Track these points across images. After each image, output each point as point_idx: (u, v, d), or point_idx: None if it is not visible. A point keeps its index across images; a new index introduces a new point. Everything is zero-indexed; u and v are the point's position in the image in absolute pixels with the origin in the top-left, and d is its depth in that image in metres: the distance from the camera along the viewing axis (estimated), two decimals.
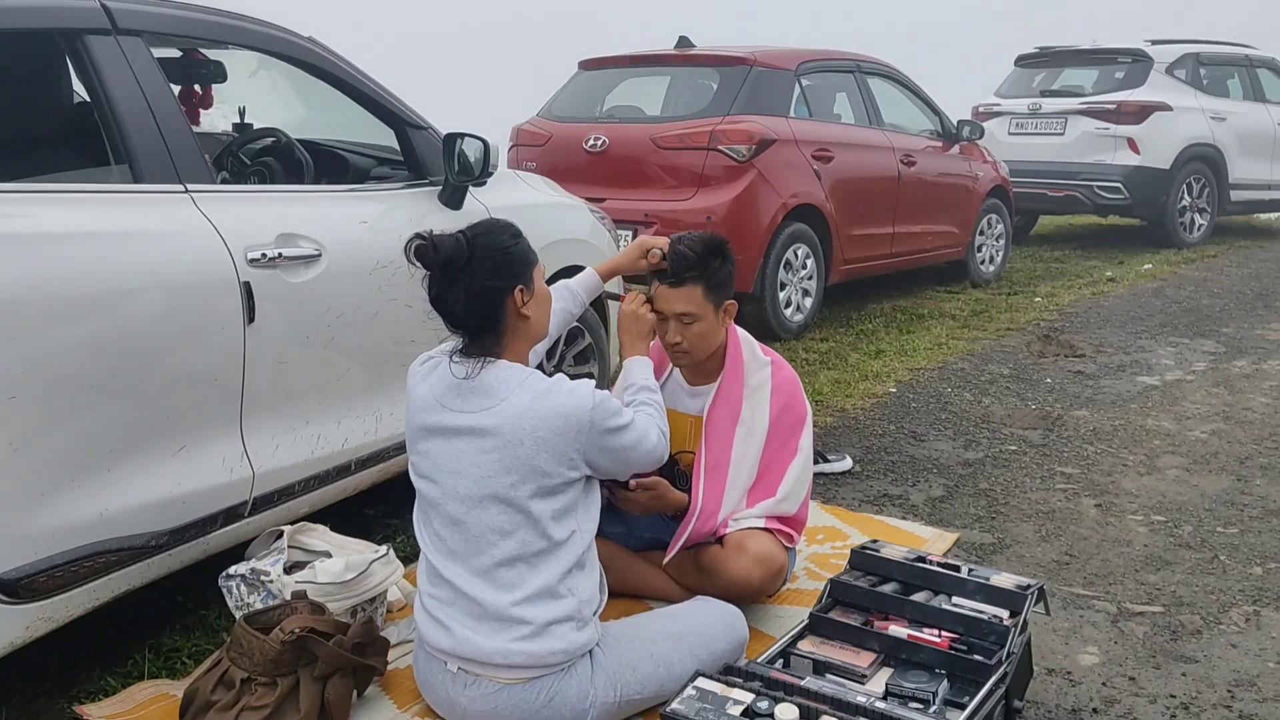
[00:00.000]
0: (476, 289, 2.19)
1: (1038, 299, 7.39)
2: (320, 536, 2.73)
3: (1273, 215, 11.95)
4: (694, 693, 2.01)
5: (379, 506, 3.56)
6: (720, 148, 5.80)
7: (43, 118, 2.81)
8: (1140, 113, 9.12)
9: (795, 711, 1.91)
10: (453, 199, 3.38)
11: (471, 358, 2.25)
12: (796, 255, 6.10)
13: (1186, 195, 9.44)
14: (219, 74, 3.78)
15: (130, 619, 2.76)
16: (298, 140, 3.43)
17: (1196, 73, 9.69)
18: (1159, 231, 9.51)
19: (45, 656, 2.54)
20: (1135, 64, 9.51)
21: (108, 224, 2.38)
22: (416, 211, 3.28)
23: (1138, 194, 9.14)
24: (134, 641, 2.68)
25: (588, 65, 6.95)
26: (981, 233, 7.94)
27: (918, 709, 2.05)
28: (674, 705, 1.97)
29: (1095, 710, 2.42)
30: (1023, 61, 10.42)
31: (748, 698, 1.97)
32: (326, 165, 3.59)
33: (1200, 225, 9.66)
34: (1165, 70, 9.43)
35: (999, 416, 4.69)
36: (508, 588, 2.20)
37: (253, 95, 4.09)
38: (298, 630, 2.24)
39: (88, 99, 2.73)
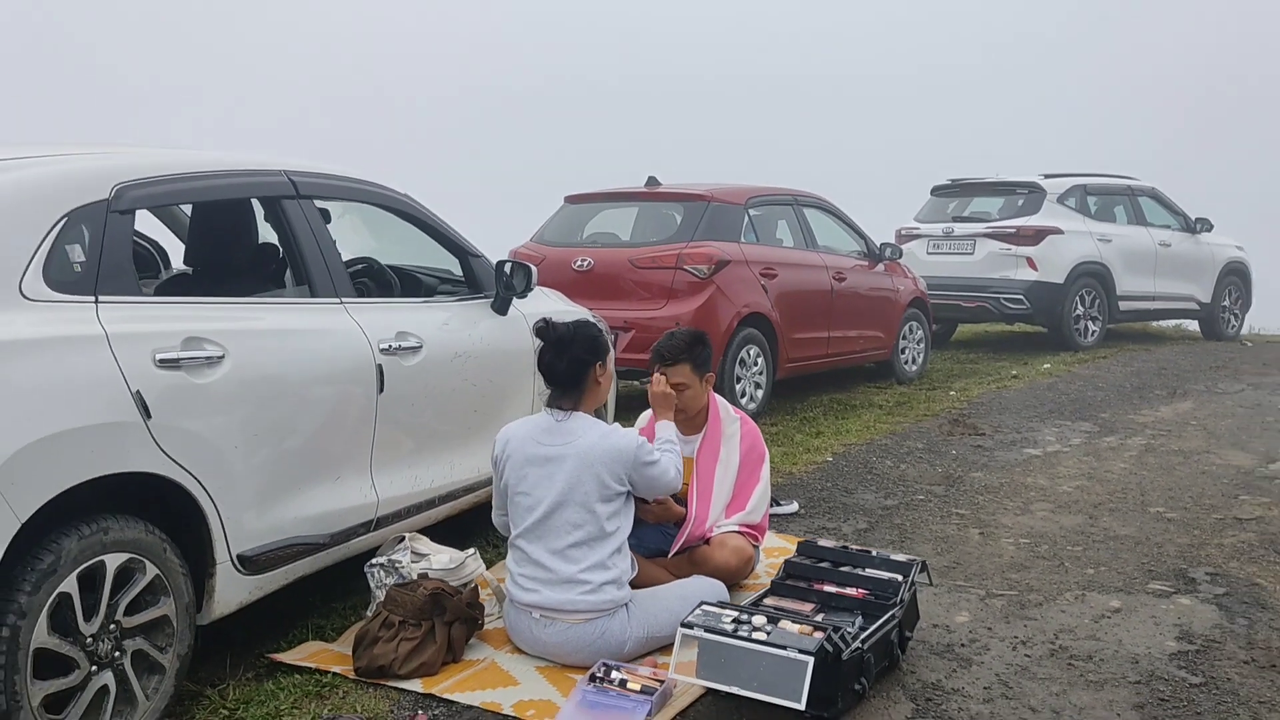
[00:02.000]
0: (575, 357, 3.41)
1: (952, 392, 8.74)
2: (425, 544, 3.85)
3: (1168, 322, 13.60)
4: (700, 612, 3.16)
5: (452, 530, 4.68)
6: (686, 267, 7.12)
7: (245, 253, 3.99)
8: (1036, 236, 10.69)
9: (764, 618, 3.08)
10: (501, 308, 4.62)
11: (561, 409, 3.45)
12: (749, 354, 7.39)
13: (1080, 305, 10.98)
14: (328, 218, 5.01)
15: (288, 603, 3.84)
16: (385, 265, 4.67)
17: (1084, 201, 11.35)
18: (1058, 336, 11.00)
19: (233, 626, 3.60)
20: (1031, 194, 11.14)
21: (299, 324, 3.57)
22: (476, 316, 4.49)
23: (1037, 305, 10.65)
24: (289, 621, 3.76)
25: (573, 200, 8.31)
26: (904, 337, 9.32)
27: (843, 619, 3.21)
28: (688, 618, 3.12)
29: (963, 645, 3.60)
30: (937, 191, 12.04)
31: (734, 614, 3.13)
32: (405, 283, 4.80)
33: (1093, 331, 11.17)
34: (1057, 200, 11.06)
35: (912, 477, 5.93)
36: (575, 561, 3.37)
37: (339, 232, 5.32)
38: (434, 589, 3.37)
39: (273, 239, 3.92)
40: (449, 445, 4.25)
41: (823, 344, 8.19)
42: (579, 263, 7.42)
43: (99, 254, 2.95)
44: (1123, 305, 11.42)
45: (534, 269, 4.62)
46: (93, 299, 2.89)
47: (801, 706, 2.89)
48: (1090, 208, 11.38)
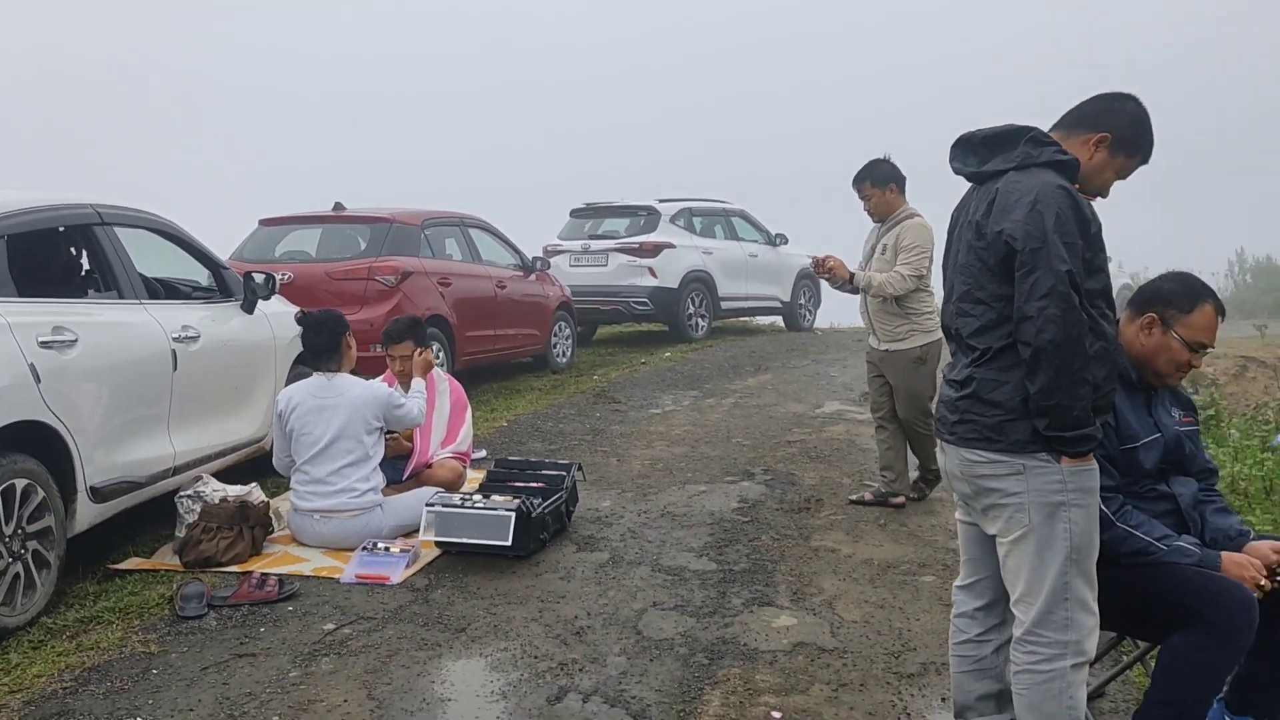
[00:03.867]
0: (331, 332, 4.88)
1: (595, 376, 10.77)
2: (215, 482, 5.11)
3: (764, 319, 16.68)
4: (437, 498, 4.76)
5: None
6: (376, 277, 8.55)
7: (64, 267, 5.01)
8: (655, 249, 13.04)
9: (480, 496, 4.74)
10: (249, 308, 5.91)
11: (329, 371, 4.90)
12: (433, 350, 8.93)
13: (691, 305, 13.48)
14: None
15: (116, 528, 4.95)
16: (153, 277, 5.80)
17: (691, 221, 13.91)
18: (675, 331, 13.43)
19: (83, 543, 4.69)
20: (650, 215, 13.51)
21: (118, 319, 4.75)
22: (231, 314, 5.76)
23: (658, 306, 13.00)
24: (120, 541, 4.90)
25: (266, 222, 9.44)
26: (555, 335, 11.24)
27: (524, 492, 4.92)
28: (430, 500, 4.71)
29: (606, 516, 5.44)
30: (575, 214, 14.15)
31: (460, 497, 4.76)
32: (179, 289, 5.91)
33: (702, 326, 13.73)
34: (669, 220, 13.49)
35: (568, 431, 7.80)
36: (347, 477, 4.84)
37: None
38: (240, 502, 4.71)
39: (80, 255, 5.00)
40: (221, 413, 5.50)
41: (491, 340, 9.89)
42: (281, 276, 8.61)
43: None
44: (724, 304, 14.08)
45: (276, 277, 5.96)
46: None
47: (508, 543, 4.58)
48: (696, 226, 13.96)
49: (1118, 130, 2.70)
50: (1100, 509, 2.69)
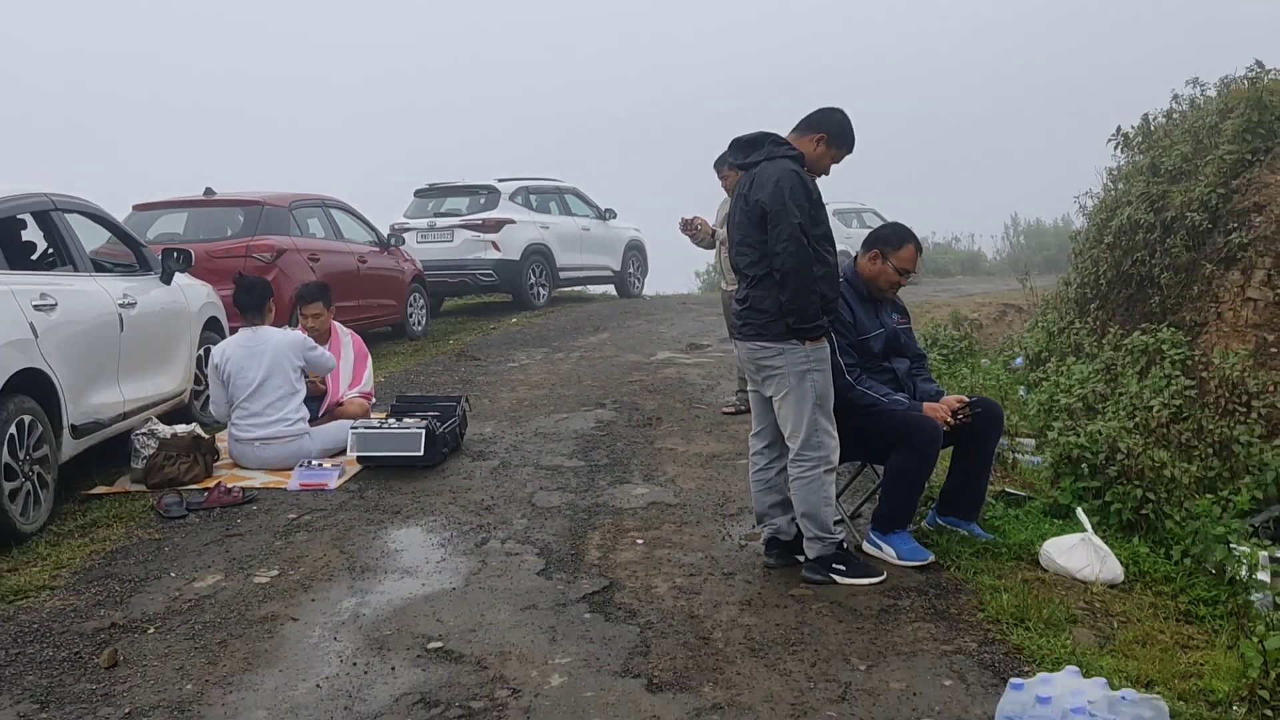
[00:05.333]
0: (259, 293, 5.96)
1: (451, 341, 11.92)
2: (160, 424, 6.10)
3: (596, 288, 18.09)
4: (360, 423, 5.93)
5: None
6: (254, 255, 9.46)
7: (29, 246, 5.85)
8: (497, 225, 14.21)
9: (394, 419, 5.94)
10: (166, 279, 6.85)
11: (255, 325, 5.98)
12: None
13: (532, 276, 14.73)
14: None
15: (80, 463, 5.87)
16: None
17: (529, 198, 15.13)
18: (519, 300, 14.67)
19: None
20: (490, 194, 14.66)
21: (79, 287, 5.69)
22: (153, 285, 6.70)
23: (503, 277, 14.20)
24: (85, 473, 5.84)
25: (140, 208, 10.14)
26: (411, 305, 12.30)
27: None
28: (354, 425, 5.87)
29: (490, 437, 6.71)
30: (419, 194, 15.14)
31: (378, 421, 5.95)
32: (98, 264, 6.77)
33: (543, 294, 15.00)
34: (508, 197, 14.69)
35: (438, 384, 8.98)
36: (280, 409, 5.95)
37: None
38: (194, 435, 5.76)
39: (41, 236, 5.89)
40: (153, 369, 6.46)
41: (355, 310, 10.86)
42: None
43: None
44: (562, 274, 15.40)
45: (192, 253, 6.92)
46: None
47: (420, 453, 5.80)
48: (533, 203, 15.20)
49: (830, 131, 4.20)
50: (845, 378, 4.23)
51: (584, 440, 6.65)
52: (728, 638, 3.66)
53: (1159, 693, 3.06)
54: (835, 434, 4.14)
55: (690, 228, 7.30)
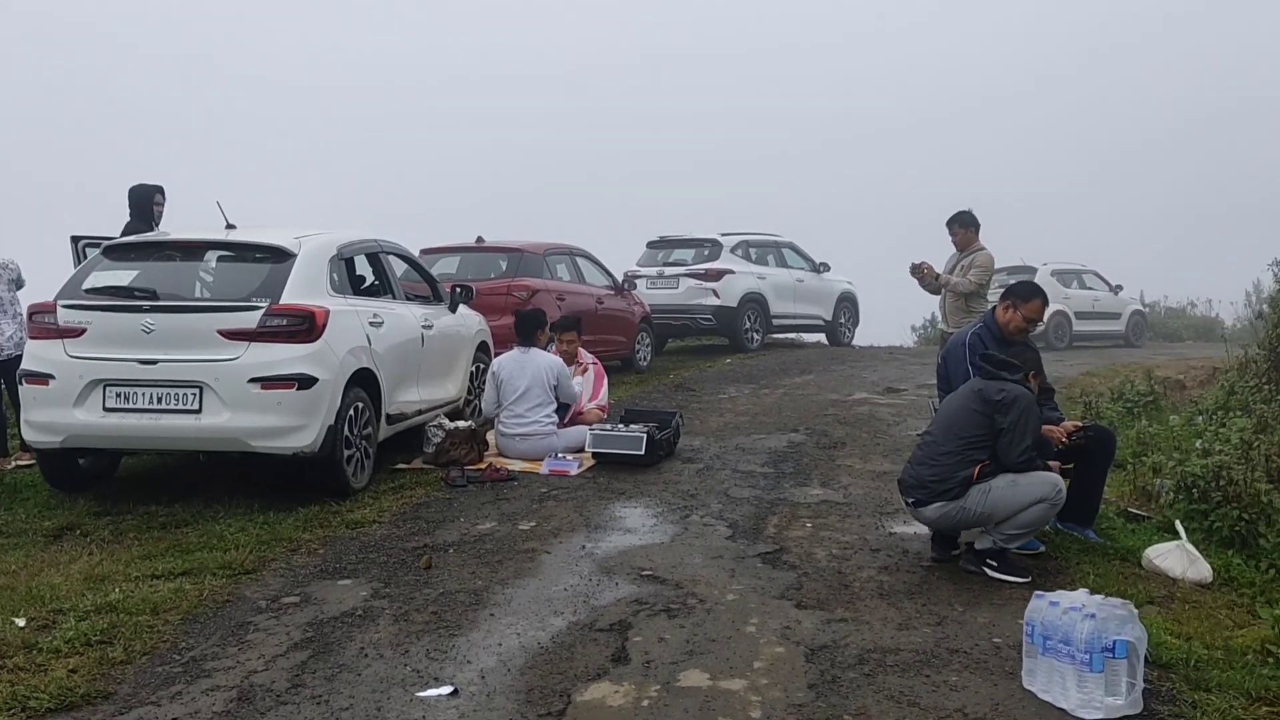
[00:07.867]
0: (534, 323, 7.66)
1: (671, 375, 13.46)
2: (447, 420, 7.86)
3: (810, 336, 19.30)
4: (595, 427, 7.48)
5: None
6: (513, 293, 11.34)
7: (360, 278, 7.84)
8: (718, 275, 15.72)
9: (624, 425, 7.44)
10: (453, 308, 8.69)
11: (524, 346, 7.68)
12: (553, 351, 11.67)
13: (748, 321, 16.12)
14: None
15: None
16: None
17: (748, 251, 16.59)
18: (735, 343, 16.08)
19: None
20: (714, 247, 16.22)
21: (398, 311, 7.54)
22: (442, 312, 8.54)
23: (721, 322, 15.68)
24: (389, 455, 7.68)
25: (425, 251, 12.29)
26: (638, 343, 13.96)
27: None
28: (592, 429, 7.42)
29: (697, 448, 8.10)
30: (651, 245, 16.91)
31: (611, 425, 7.48)
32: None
33: (757, 339, 16.35)
34: (730, 250, 16.19)
35: (660, 407, 10.47)
36: (537, 412, 7.61)
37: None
38: (473, 429, 7.48)
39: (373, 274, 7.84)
40: (440, 378, 8.28)
41: (591, 344, 12.49)
42: None
43: (346, 277, 6.90)
44: (775, 321, 16.72)
45: (474, 289, 8.76)
46: (345, 296, 6.83)
47: (642, 453, 7.27)
48: (752, 255, 16.64)
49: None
50: None
51: (775, 455, 7.93)
52: (863, 586, 4.87)
53: (1189, 644, 4.04)
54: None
55: (918, 271, 8.46)
